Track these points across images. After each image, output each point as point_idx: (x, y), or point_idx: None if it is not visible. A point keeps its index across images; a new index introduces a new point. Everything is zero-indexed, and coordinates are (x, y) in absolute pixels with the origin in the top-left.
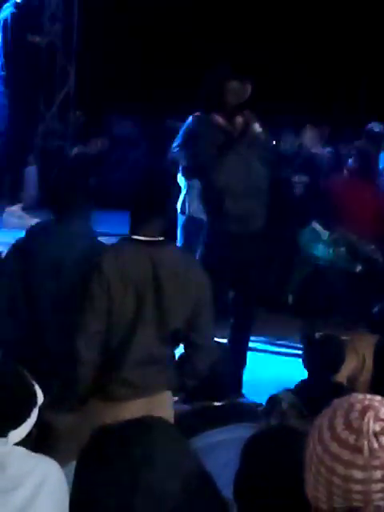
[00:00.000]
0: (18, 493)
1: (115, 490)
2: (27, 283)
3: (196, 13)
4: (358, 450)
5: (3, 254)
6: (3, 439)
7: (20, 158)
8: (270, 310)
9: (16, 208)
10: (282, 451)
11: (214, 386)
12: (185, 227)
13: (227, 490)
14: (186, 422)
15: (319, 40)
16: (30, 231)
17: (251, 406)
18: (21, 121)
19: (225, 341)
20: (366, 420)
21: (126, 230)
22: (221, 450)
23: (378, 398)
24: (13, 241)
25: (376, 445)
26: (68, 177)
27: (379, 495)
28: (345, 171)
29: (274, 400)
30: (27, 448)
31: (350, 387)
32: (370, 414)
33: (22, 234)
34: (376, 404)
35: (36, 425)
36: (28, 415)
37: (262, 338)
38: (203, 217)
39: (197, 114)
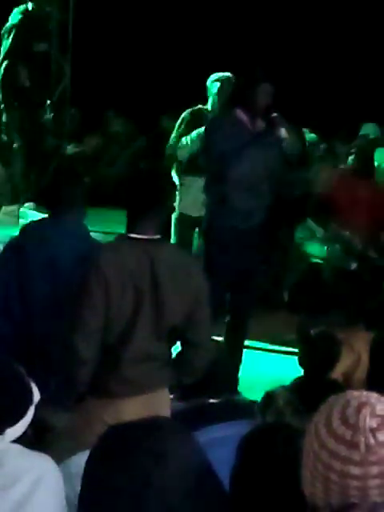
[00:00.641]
0: (14, 490)
1: (127, 489)
2: (21, 282)
3: (192, 10)
4: (354, 445)
5: None
6: (0, 436)
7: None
8: (265, 308)
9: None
10: (278, 448)
11: (209, 384)
12: (176, 224)
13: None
14: (181, 419)
15: (315, 36)
16: (25, 230)
17: (247, 403)
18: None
19: (221, 338)
20: (362, 416)
21: (121, 228)
22: (217, 448)
23: (375, 394)
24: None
25: (372, 441)
26: (63, 175)
27: (376, 491)
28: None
29: (269, 397)
30: (24, 445)
31: (346, 384)
32: (367, 410)
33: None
34: (372, 400)
35: (32, 422)
36: (24, 413)
37: (257, 336)
38: (197, 213)
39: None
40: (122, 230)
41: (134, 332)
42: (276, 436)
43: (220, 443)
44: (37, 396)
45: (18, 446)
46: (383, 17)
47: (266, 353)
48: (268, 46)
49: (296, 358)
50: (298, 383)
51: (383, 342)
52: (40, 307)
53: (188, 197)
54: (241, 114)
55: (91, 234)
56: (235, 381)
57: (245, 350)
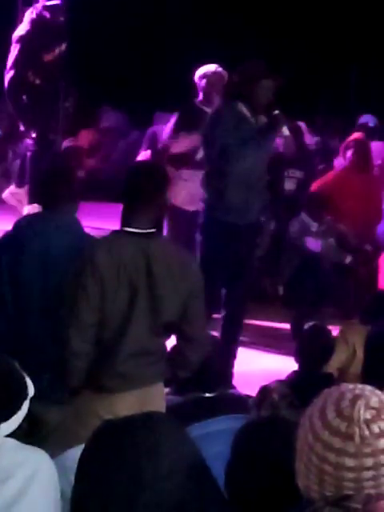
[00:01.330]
0: (9, 484)
1: (121, 483)
2: (15, 276)
3: (186, 4)
4: (349, 437)
5: None
6: None
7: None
8: (260, 302)
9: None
10: (273, 442)
11: (204, 378)
12: (170, 219)
13: (218, 482)
14: (176, 413)
15: (308, 28)
16: (18, 224)
17: (242, 397)
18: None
19: (216, 333)
20: (356, 408)
21: (116, 222)
22: (211, 442)
23: (369, 387)
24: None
25: (367, 432)
26: (57, 170)
27: (370, 483)
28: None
29: (264, 391)
30: (18, 440)
31: (341, 379)
32: (361, 402)
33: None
34: (367, 393)
35: (27, 417)
36: (19, 407)
37: (252, 330)
38: (192, 208)
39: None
40: (117, 225)
41: (129, 326)
42: (271, 430)
43: (215, 437)
44: (31, 390)
45: (12, 441)
46: (378, 8)
47: (261, 347)
48: (264, 41)
49: (291, 352)
50: (293, 377)
51: (378, 336)
52: (34, 302)
53: (184, 191)
54: (243, 109)
55: (85, 228)
56: (230, 375)
57: (240, 345)
